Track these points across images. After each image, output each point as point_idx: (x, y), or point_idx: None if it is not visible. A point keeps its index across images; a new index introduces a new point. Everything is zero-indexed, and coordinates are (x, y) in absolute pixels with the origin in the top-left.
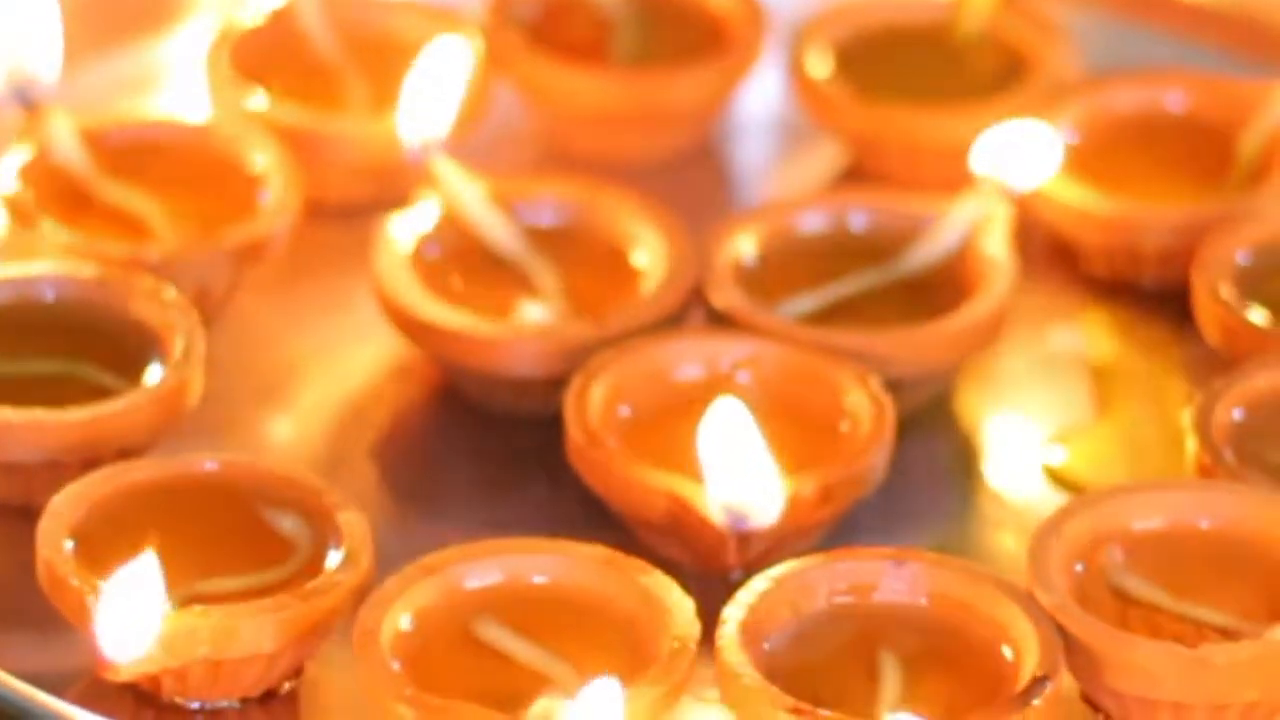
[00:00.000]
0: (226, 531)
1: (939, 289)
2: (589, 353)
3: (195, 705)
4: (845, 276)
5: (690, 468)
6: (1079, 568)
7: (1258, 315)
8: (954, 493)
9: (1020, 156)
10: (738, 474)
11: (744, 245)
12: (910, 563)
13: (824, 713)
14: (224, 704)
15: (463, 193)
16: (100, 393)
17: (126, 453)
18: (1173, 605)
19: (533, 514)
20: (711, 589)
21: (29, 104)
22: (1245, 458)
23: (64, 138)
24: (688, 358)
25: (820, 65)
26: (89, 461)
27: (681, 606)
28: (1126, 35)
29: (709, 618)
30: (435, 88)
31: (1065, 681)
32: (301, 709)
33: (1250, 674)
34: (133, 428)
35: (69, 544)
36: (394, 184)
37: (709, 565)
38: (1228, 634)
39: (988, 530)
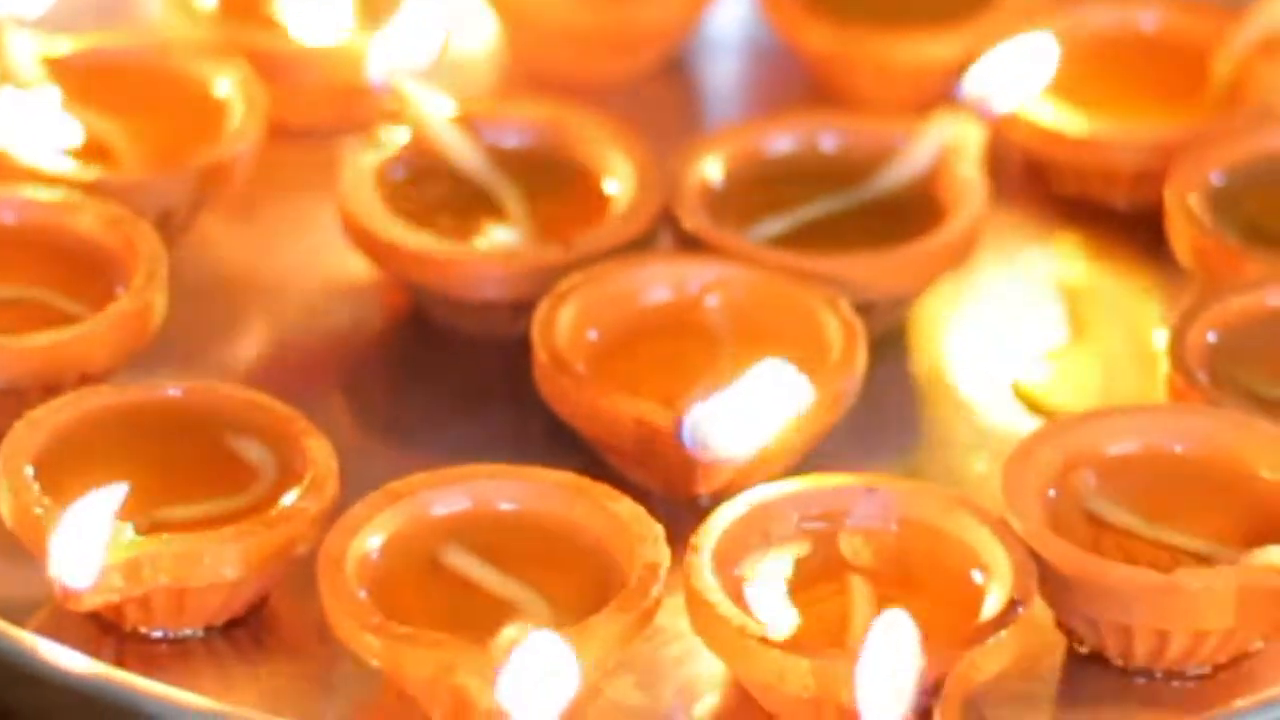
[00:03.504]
0: (190, 458)
1: (910, 211)
2: (556, 276)
3: (158, 634)
4: (815, 199)
5: (658, 392)
6: (1052, 493)
7: (1230, 236)
8: (925, 417)
9: (1003, 77)
10: (719, 401)
11: (713, 167)
12: (882, 488)
13: (792, 638)
14: (187, 633)
15: (428, 114)
16: (62, 318)
17: (88, 379)
18: (1146, 530)
19: (499, 439)
20: (681, 515)
21: None
22: (1219, 380)
23: (25, 61)
24: (656, 281)
25: None
26: (50, 388)
27: (650, 532)
28: None
29: (678, 543)
30: (412, 18)
31: (1038, 607)
32: (265, 638)
33: (1224, 600)
34: (95, 353)
35: (30, 471)
36: (359, 105)
37: (678, 491)
38: (1202, 559)
39: (959, 455)
